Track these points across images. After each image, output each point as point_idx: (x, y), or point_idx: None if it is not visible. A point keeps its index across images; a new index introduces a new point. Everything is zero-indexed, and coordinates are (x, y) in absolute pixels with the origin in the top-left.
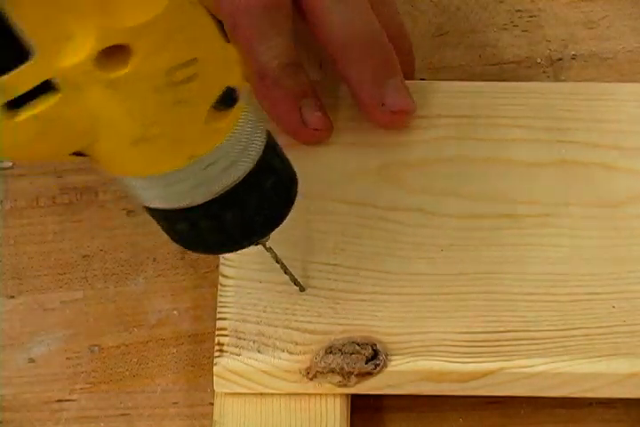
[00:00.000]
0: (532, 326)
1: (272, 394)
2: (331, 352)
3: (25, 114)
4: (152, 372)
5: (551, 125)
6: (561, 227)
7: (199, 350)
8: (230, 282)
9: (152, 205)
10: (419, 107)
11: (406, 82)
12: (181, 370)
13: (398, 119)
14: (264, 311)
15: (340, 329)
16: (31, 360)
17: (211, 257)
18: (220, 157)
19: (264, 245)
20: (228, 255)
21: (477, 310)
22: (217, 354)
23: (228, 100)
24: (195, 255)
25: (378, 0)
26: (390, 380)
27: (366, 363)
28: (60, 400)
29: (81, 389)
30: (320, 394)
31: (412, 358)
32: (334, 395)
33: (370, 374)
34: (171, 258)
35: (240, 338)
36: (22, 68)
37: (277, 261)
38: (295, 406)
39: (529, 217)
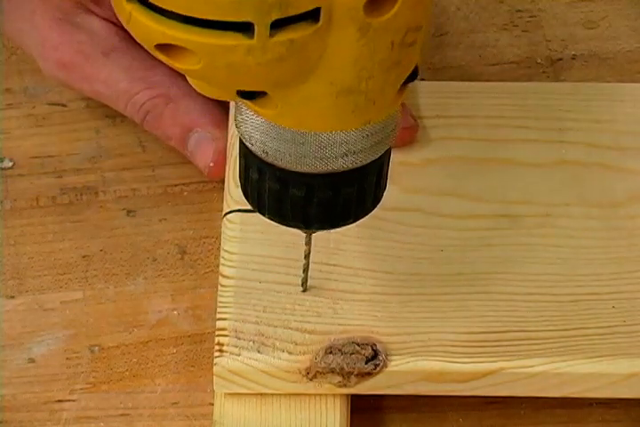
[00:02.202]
0: (532, 326)
1: (272, 394)
2: (330, 352)
3: (283, 36)
4: (152, 372)
5: (551, 126)
6: (561, 227)
7: (199, 350)
8: (230, 282)
9: (279, 164)
10: (418, 107)
11: None
12: (181, 370)
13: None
14: (264, 311)
15: (339, 329)
16: (31, 360)
17: (210, 257)
18: (382, 129)
19: (309, 237)
20: (227, 255)
21: (477, 310)
22: (217, 354)
23: (415, 74)
24: (195, 255)
25: None
26: (390, 380)
27: (366, 363)
28: (59, 400)
29: (81, 389)
30: (320, 394)
31: (411, 359)
32: (334, 395)
33: (370, 374)
34: (171, 258)
35: (240, 338)
36: None
37: (305, 257)
38: (295, 407)
39: (529, 217)
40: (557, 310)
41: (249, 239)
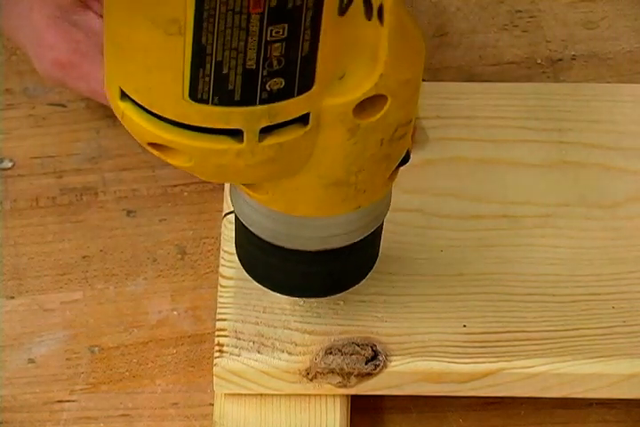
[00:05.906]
0: (532, 326)
1: (272, 395)
2: (330, 353)
3: (272, 140)
4: (152, 372)
5: (551, 126)
6: (561, 227)
7: (199, 350)
8: (230, 283)
9: (273, 242)
10: (418, 107)
11: None
12: (181, 371)
13: None
14: (263, 312)
15: (339, 330)
16: (31, 361)
17: (210, 257)
18: (375, 208)
19: None
20: (227, 256)
21: (477, 311)
22: (217, 355)
23: (406, 159)
24: (195, 256)
25: None
26: (390, 380)
27: (366, 364)
28: (60, 401)
29: (81, 389)
30: (320, 395)
31: (411, 359)
32: (334, 396)
33: (370, 374)
34: (171, 258)
35: (240, 339)
36: (299, 97)
37: None
38: (295, 407)
39: (529, 218)
40: (557, 311)
41: None
